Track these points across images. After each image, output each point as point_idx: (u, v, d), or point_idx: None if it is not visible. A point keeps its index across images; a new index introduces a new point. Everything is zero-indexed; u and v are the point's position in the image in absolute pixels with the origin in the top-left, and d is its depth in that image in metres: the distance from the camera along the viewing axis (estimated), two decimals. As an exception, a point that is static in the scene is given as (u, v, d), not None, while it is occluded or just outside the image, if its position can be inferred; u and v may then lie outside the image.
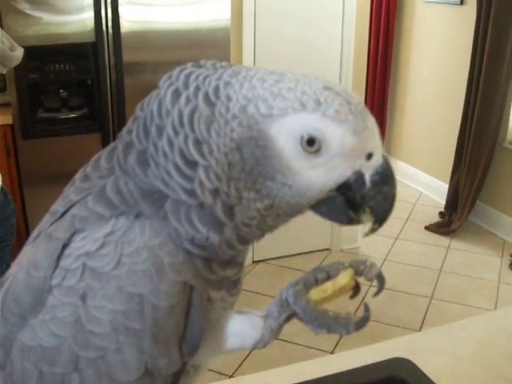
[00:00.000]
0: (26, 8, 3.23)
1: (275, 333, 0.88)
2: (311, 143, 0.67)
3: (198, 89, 0.69)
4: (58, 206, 0.77)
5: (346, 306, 0.90)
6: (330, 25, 4.31)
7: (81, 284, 0.69)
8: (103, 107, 3.58)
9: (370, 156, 0.69)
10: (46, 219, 0.78)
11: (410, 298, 4.08)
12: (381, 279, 0.87)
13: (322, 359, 1.44)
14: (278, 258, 4.55)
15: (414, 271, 4.45)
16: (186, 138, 0.68)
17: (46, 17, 3.31)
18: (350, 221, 0.74)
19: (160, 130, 0.70)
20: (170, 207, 0.69)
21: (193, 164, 0.68)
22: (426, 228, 5.14)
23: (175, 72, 0.73)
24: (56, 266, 0.70)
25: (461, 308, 3.94)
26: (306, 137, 0.66)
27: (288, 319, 0.88)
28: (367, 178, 0.71)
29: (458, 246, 4.85)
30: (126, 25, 3.50)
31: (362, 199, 0.72)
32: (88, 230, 0.71)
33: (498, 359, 1.43)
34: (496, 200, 5.03)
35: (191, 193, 0.68)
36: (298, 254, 4.58)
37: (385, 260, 4.58)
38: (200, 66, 0.74)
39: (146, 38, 3.62)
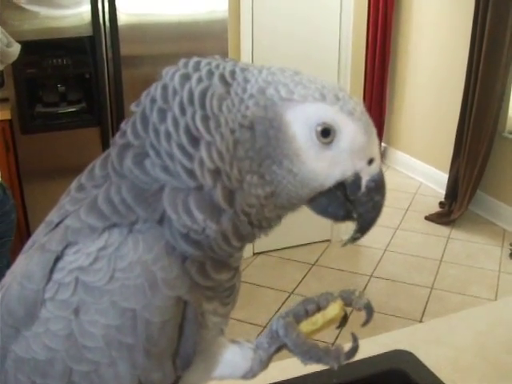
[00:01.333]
0: (23, 2, 3.22)
1: (265, 364, 0.89)
2: (326, 134, 0.68)
3: (211, 72, 0.70)
4: (53, 216, 0.76)
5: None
6: (328, 16, 4.30)
7: (74, 298, 0.69)
8: (101, 101, 3.57)
9: (371, 161, 0.71)
10: (41, 229, 0.77)
11: (410, 289, 4.09)
12: (369, 309, 0.88)
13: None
14: (279, 249, 4.56)
15: (415, 261, 4.46)
16: (193, 114, 0.67)
17: (43, 11, 3.30)
18: (347, 214, 0.74)
19: (163, 113, 0.69)
20: (168, 198, 0.69)
21: (196, 141, 0.67)
22: (426, 218, 5.15)
23: (181, 62, 0.74)
24: (49, 279, 0.70)
25: (461, 298, 3.95)
26: (321, 127, 0.67)
27: (278, 350, 0.89)
28: (364, 182, 0.72)
29: (459, 236, 4.85)
30: (123, 18, 3.49)
31: (353, 203, 0.73)
32: (81, 244, 0.70)
33: (498, 350, 1.44)
34: (496, 189, 5.03)
35: (191, 173, 0.67)
36: (299, 245, 4.59)
37: (385, 250, 4.59)
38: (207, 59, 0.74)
39: (143, 31, 3.61)
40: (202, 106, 0.67)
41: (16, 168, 3.54)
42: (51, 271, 0.70)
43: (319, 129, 0.67)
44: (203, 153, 0.67)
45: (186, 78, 0.70)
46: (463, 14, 5.04)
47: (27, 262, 0.73)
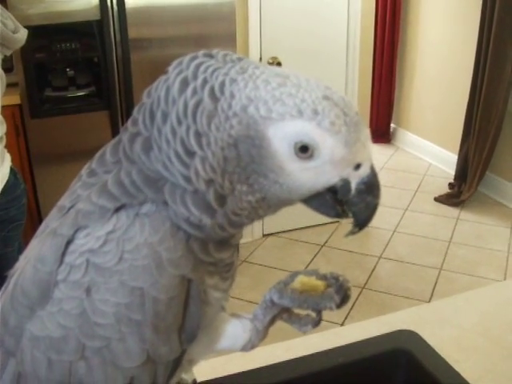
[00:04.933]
0: (30, -13, 3.23)
1: (262, 334, 0.93)
2: (304, 150, 0.69)
3: (205, 81, 0.71)
4: (65, 201, 0.80)
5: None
6: (337, -4, 4.28)
7: (85, 279, 0.73)
8: (110, 84, 3.58)
9: (358, 166, 0.72)
10: (54, 213, 0.81)
11: (419, 269, 4.10)
12: (342, 296, 0.89)
13: (329, 332, 1.46)
14: (288, 231, 4.58)
15: (424, 242, 4.47)
16: (188, 128, 0.70)
17: (50, -5, 3.31)
18: (338, 215, 0.77)
19: (165, 117, 0.72)
20: (168, 190, 0.73)
21: (191, 154, 0.71)
22: (436, 199, 5.15)
23: (186, 60, 0.75)
24: (61, 262, 0.74)
25: (470, 279, 3.96)
26: (299, 143, 0.69)
27: (272, 321, 0.93)
28: (353, 185, 0.73)
29: (468, 217, 4.85)
30: (130, 1, 3.49)
31: (346, 204, 0.75)
32: (90, 228, 0.74)
33: (503, 330, 1.45)
34: (505, 170, 5.01)
35: (187, 179, 0.71)
36: (308, 226, 4.60)
37: (394, 231, 4.60)
38: (211, 56, 0.75)
39: (151, 14, 3.61)
40: (194, 121, 0.70)
41: (26, 152, 3.57)
42: (63, 254, 0.74)
43: (297, 145, 0.69)
44: (198, 165, 0.71)
45: (184, 84, 0.72)
46: (473, -7, 4.99)
47: (40, 246, 0.77)
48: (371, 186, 0.74)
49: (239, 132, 0.69)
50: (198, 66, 0.73)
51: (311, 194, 0.74)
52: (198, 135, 0.70)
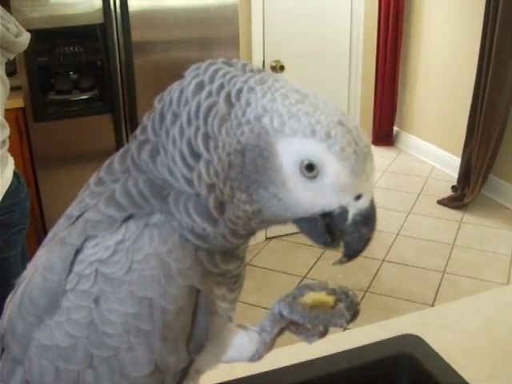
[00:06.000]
0: (34, -10, 3.23)
1: (269, 346, 0.94)
2: (310, 169, 0.69)
3: (221, 86, 0.71)
4: (73, 210, 0.80)
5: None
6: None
7: (94, 288, 0.73)
8: (113, 88, 3.59)
9: (359, 197, 0.72)
10: (62, 222, 0.81)
11: (422, 273, 4.09)
12: (353, 312, 0.89)
13: (333, 336, 1.45)
14: (291, 234, 4.57)
15: (427, 245, 4.46)
16: (197, 129, 0.70)
17: (54, -1, 3.32)
18: (326, 244, 0.77)
19: (175, 117, 0.72)
20: (172, 199, 0.73)
21: (197, 156, 0.71)
22: (439, 202, 5.14)
23: (204, 65, 0.75)
24: (70, 271, 0.74)
25: (473, 282, 3.95)
26: (306, 162, 0.69)
27: (280, 333, 0.94)
28: (350, 215, 0.73)
29: (471, 220, 4.84)
30: (133, 4, 3.49)
31: (340, 232, 0.75)
32: (100, 237, 0.74)
33: (507, 334, 1.45)
34: (509, 173, 5.00)
35: (190, 182, 0.71)
36: (311, 230, 4.59)
37: (397, 235, 4.59)
38: (230, 65, 0.75)
39: (154, 17, 3.61)
40: (205, 122, 0.70)
41: (30, 155, 3.57)
42: (72, 263, 0.75)
43: (304, 163, 0.69)
44: (202, 168, 0.71)
45: (199, 87, 0.72)
46: (476, -4, 4.99)
47: (48, 255, 0.77)
48: (368, 219, 0.74)
49: (249, 140, 0.69)
50: (215, 71, 0.73)
51: (306, 215, 0.73)
52: (206, 137, 0.70)
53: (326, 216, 0.73)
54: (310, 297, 0.91)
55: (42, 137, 3.55)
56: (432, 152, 5.96)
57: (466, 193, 5.10)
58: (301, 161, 0.69)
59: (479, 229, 4.71)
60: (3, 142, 2.29)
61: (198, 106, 0.71)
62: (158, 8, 3.60)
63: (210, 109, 0.70)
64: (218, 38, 3.79)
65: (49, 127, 3.54)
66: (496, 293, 1.77)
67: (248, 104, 0.70)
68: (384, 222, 4.61)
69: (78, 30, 3.47)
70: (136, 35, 3.54)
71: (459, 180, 5.26)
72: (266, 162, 0.69)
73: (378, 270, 4.13)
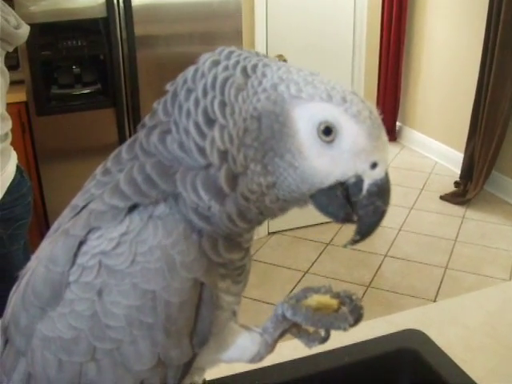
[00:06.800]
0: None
1: (270, 348, 0.93)
2: (327, 132, 0.69)
3: (237, 62, 0.73)
4: (78, 200, 0.80)
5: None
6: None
7: (97, 280, 0.73)
8: (116, 82, 3.59)
9: (374, 165, 0.71)
10: (67, 213, 0.81)
11: (424, 268, 4.09)
12: (357, 316, 0.89)
13: (336, 331, 1.45)
14: (294, 229, 4.58)
15: (429, 241, 4.46)
16: (213, 98, 0.71)
17: (56, -8, 3.31)
18: (347, 216, 0.75)
19: (189, 93, 0.73)
20: (180, 177, 0.72)
21: (211, 122, 0.71)
22: (441, 198, 5.14)
23: (219, 49, 0.76)
24: (73, 263, 0.74)
25: (475, 278, 3.95)
26: (323, 125, 0.69)
27: (282, 334, 0.93)
28: (365, 185, 0.72)
29: (473, 216, 4.84)
30: (136, -2, 3.49)
31: (354, 205, 0.74)
32: (103, 229, 0.74)
33: (510, 330, 1.45)
34: (511, 169, 4.99)
35: (202, 151, 0.71)
36: (314, 224, 4.59)
37: (400, 230, 4.59)
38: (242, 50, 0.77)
39: (157, 11, 3.61)
40: (222, 92, 0.71)
41: (32, 150, 3.57)
42: (75, 255, 0.74)
43: (322, 127, 0.69)
44: (216, 133, 0.70)
45: (215, 64, 0.73)
46: (480, -9, 4.98)
47: (52, 247, 0.77)
48: (383, 190, 0.73)
49: (265, 107, 0.70)
50: (231, 52, 0.75)
51: (322, 186, 0.72)
52: (222, 104, 0.71)
53: (340, 189, 0.72)
54: (314, 299, 0.91)
55: (45, 131, 3.55)
56: (435, 147, 5.95)
57: (468, 188, 5.09)
58: (318, 124, 0.69)
59: (482, 224, 4.70)
60: (5, 134, 2.29)
61: (215, 78, 0.71)
62: (160, 2, 3.59)
63: (226, 79, 0.71)
64: (221, 31, 3.78)
65: (51, 121, 3.54)
66: (499, 288, 1.76)
67: (264, 75, 0.71)
68: (386, 217, 4.54)
69: (80, 24, 3.46)
70: (139, 29, 3.54)
71: (462, 176, 5.25)
72: (283, 127, 0.69)
73: (380, 265, 4.13)
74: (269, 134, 0.70)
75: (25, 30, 2.32)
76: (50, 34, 3.38)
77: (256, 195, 0.72)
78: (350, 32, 4.39)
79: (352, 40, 4.42)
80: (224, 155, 0.70)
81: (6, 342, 0.82)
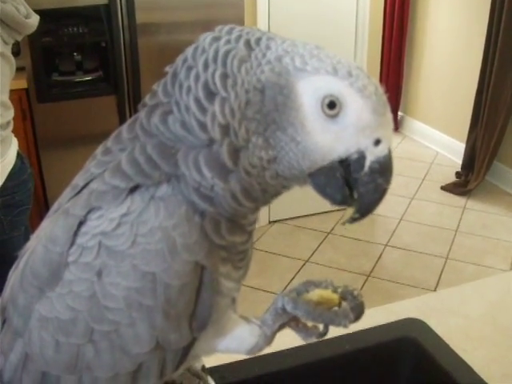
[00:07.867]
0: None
1: (269, 340, 0.92)
2: (332, 106, 0.68)
3: (240, 36, 0.72)
4: (78, 180, 0.79)
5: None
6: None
7: (97, 261, 0.72)
8: (117, 69, 3.57)
9: (377, 142, 0.70)
10: (67, 192, 0.80)
11: (425, 258, 4.10)
12: (357, 311, 0.88)
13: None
14: (294, 218, 4.58)
15: (430, 231, 4.46)
16: (214, 71, 0.70)
17: (58, -21, 3.29)
18: (344, 199, 0.74)
19: (189, 70, 0.72)
20: (182, 155, 0.71)
21: (212, 96, 0.70)
22: (443, 188, 5.13)
23: (218, 27, 0.75)
24: (73, 243, 0.73)
25: (476, 268, 3.96)
26: (328, 99, 0.68)
27: (280, 328, 0.92)
28: (367, 162, 0.71)
29: (474, 206, 4.84)
30: (138, -15, 3.46)
31: (355, 182, 0.73)
32: (104, 209, 0.73)
33: (510, 320, 1.45)
34: (513, 159, 4.99)
35: (203, 126, 0.70)
36: (314, 213, 4.60)
37: (401, 220, 4.59)
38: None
39: (159, -1, 3.59)
40: (224, 64, 0.70)
41: (33, 136, 3.57)
42: (75, 235, 0.73)
43: (326, 100, 0.68)
44: (216, 107, 0.69)
45: (216, 39, 0.72)
46: (483, -20, 4.95)
47: (52, 226, 0.76)
48: (385, 168, 0.72)
49: (269, 78, 0.69)
50: (232, 28, 0.74)
51: (323, 164, 0.71)
52: (224, 76, 0.69)
53: (340, 169, 0.72)
54: (315, 293, 0.90)
55: (46, 118, 3.54)
56: (436, 138, 5.94)
57: (469, 179, 5.09)
58: (322, 97, 0.68)
59: (483, 215, 4.70)
60: (8, 123, 2.28)
61: (216, 52, 0.70)
62: (162, -11, 3.57)
63: (228, 52, 0.70)
64: (223, 20, 3.72)
65: (52, 108, 3.53)
66: (499, 278, 1.76)
67: (268, 47, 0.70)
68: (387, 207, 4.59)
69: (82, 11, 3.45)
70: (140, 16, 3.52)
71: (463, 166, 5.25)
72: (286, 100, 0.69)
73: (380, 254, 4.14)
74: (272, 106, 0.69)
75: (34, 20, 2.31)
76: (52, 21, 3.36)
77: (257, 169, 0.71)
78: (352, 20, 4.37)
79: (354, 29, 4.40)
80: (225, 129, 0.69)
81: (4, 322, 0.81)
